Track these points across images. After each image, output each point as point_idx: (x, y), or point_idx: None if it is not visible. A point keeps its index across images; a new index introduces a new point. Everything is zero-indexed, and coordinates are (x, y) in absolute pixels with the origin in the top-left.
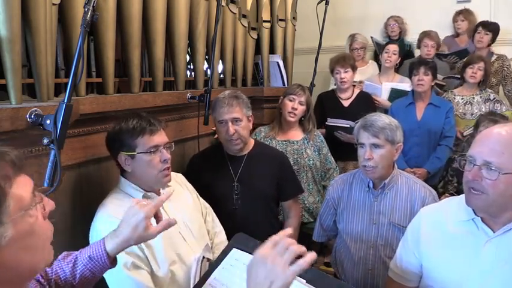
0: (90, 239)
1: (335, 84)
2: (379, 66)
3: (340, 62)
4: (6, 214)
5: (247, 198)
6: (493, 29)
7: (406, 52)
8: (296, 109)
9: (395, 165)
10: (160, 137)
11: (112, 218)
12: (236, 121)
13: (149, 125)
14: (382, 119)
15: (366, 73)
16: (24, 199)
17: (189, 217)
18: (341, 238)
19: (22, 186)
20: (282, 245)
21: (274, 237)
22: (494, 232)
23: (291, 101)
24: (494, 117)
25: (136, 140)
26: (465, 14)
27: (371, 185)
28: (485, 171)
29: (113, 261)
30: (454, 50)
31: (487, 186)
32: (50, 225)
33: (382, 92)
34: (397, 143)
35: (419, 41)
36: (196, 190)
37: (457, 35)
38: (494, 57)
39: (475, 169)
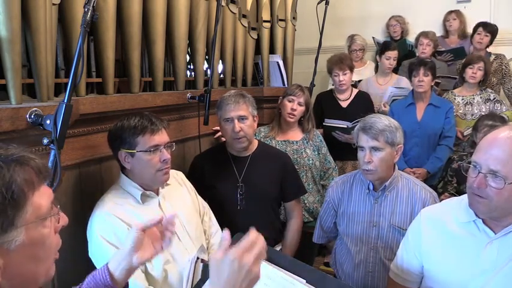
0: (87, 237)
1: (333, 85)
2: (377, 66)
3: (338, 64)
4: (22, 219)
5: (252, 198)
6: (492, 30)
7: (407, 52)
8: (295, 110)
9: (396, 167)
10: (161, 137)
11: (109, 217)
12: (242, 119)
13: (151, 124)
14: (381, 121)
15: (364, 74)
16: (42, 208)
17: (186, 217)
18: (341, 240)
19: (43, 196)
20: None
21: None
22: (495, 234)
23: (290, 101)
24: (494, 123)
25: (137, 138)
26: (457, 12)
27: (371, 187)
28: (490, 179)
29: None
30: (446, 49)
31: (491, 194)
32: (59, 240)
33: (386, 97)
34: (397, 144)
35: (417, 40)
36: (200, 190)
37: (446, 35)
38: (492, 57)
39: (480, 177)
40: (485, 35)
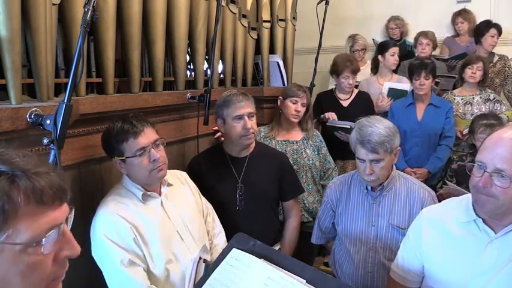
0: (90, 236)
1: (335, 84)
2: (376, 66)
3: (350, 67)
4: None
5: (251, 199)
6: (500, 29)
7: (407, 52)
8: (300, 111)
9: (394, 167)
10: (145, 138)
11: (112, 216)
12: (252, 116)
13: (132, 127)
14: (378, 131)
15: (365, 73)
16: (28, 233)
17: (189, 217)
18: (340, 240)
19: (35, 220)
20: None
21: None
22: (495, 233)
23: (294, 103)
24: (488, 121)
25: (122, 145)
26: (464, 14)
27: (369, 187)
28: (496, 178)
29: None
30: (455, 50)
31: (497, 193)
32: (59, 269)
33: (382, 92)
34: (396, 148)
35: (416, 40)
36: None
37: (457, 35)
38: (496, 58)
39: (485, 176)
40: (497, 37)
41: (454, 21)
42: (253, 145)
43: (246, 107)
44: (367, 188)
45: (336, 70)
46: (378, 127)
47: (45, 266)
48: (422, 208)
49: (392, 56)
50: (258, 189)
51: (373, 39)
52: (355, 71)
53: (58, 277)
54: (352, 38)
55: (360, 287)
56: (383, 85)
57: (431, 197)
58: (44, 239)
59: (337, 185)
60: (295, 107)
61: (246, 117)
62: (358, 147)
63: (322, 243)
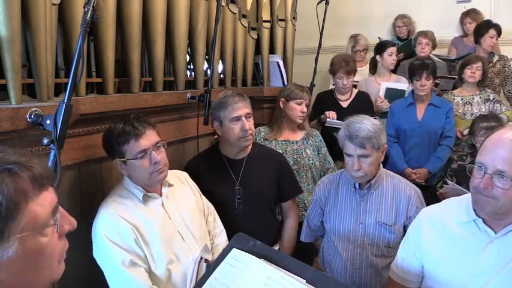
0: (92, 236)
1: (334, 84)
2: (374, 66)
3: (344, 67)
4: (15, 231)
5: (250, 201)
6: (500, 30)
7: (412, 51)
8: (305, 112)
9: (381, 165)
10: (147, 140)
11: (113, 217)
12: (249, 116)
13: (133, 129)
14: (366, 127)
15: (365, 73)
16: (40, 217)
17: (190, 217)
18: (328, 238)
19: (41, 204)
20: None
21: None
22: (495, 233)
23: (299, 104)
24: (489, 123)
25: (123, 147)
26: (472, 15)
27: (357, 185)
28: (496, 179)
29: None
30: (462, 51)
31: (498, 194)
32: (65, 243)
33: (380, 92)
34: (383, 145)
35: (415, 39)
36: None
37: (465, 35)
38: (496, 58)
39: (486, 178)
40: (496, 38)
41: (462, 22)
42: (250, 147)
43: (243, 108)
44: (355, 186)
45: (332, 70)
46: (366, 123)
47: (54, 245)
48: (408, 205)
49: (390, 56)
50: (256, 191)
51: (378, 38)
52: (350, 72)
53: (62, 254)
54: (354, 38)
55: (348, 284)
56: (380, 85)
57: (417, 194)
58: (55, 219)
59: (325, 184)
60: (300, 108)
61: (243, 118)
62: (347, 142)
63: (311, 241)
